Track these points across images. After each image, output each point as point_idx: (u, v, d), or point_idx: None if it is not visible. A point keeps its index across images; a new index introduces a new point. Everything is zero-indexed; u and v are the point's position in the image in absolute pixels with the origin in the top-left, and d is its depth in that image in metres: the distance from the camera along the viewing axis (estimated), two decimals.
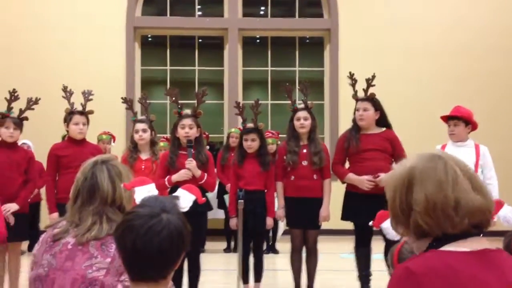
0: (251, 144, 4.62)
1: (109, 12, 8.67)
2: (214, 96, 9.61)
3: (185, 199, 1.64)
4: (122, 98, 5.32)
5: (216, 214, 7.17)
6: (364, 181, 4.44)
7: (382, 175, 4.36)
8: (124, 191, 2.16)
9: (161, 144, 6.84)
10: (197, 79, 9.29)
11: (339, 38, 8.90)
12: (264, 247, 7.15)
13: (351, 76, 4.75)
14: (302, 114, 4.67)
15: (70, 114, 4.52)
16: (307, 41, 9.78)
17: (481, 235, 1.39)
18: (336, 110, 8.83)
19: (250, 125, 4.71)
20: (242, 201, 4.14)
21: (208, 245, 7.30)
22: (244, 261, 4.68)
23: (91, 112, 4.63)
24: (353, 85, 4.72)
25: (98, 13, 8.62)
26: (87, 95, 4.72)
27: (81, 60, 8.54)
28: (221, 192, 6.99)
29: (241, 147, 4.70)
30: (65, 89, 4.72)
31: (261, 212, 4.63)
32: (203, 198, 1.77)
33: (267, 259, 6.92)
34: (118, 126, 8.02)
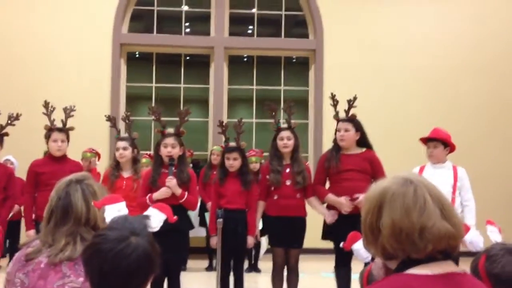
0: (233, 163, 4.64)
1: (96, 28, 8.71)
2: (200, 113, 9.64)
3: (156, 219, 1.64)
4: (105, 116, 5.30)
5: (197, 232, 7.14)
6: (343, 203, 4.48)
7: (361, 197, 4.41)
8: (98, 210, 2.16)
9: (143, 160, 6.83)
10: (182, 97, 9.33)
11: (324, 58, 9.01)
12: (246, 265, 7.18)
13: (332, 97, 4.80)
14: (285, 133, 4.71)
15: (49, 131, 4.48)
16: (294, 60, 9.89)
17: (449, 259, 1.42)
18: (320, 129, 8.90)
19: (232, 144, 4.74)
20: (221, 220, 4.14)
21: (190, 263, 7.26)
22: (223, 280, 4.67)
23: (71, 128, 4.59)
24: (335, 105, 4.77)
25: (85, 28, 8.66)
26: (68, 111, 4.68)
27: (67, 74, 8.55)
28: (203, 210, 6.98)
29: (223, 165, 4.71)
30: (46, 105, 4.67)
31: (241, 231, 4.63)
32: (175, 217, 1.77)
33: (249, 277, 6.94)
34: (102, 142, 8.00)
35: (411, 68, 9.00)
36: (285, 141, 4.68)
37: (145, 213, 1.67)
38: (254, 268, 7.28)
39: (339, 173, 4.58)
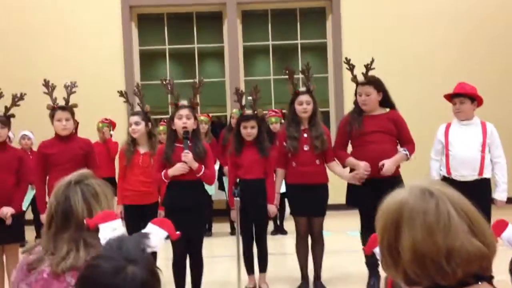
0: (250, 131, 4.47)
1: None
2: (216, 71, 9.40)
3: (156, 237, 1.47)
4: (118, 91, 5.12)
5: (217, 196, 7.08)
6: (361, 166, 4.29)
7: (387, 163, 4.21)
8: (105, 208, 2.02)
9: (161, 128, 6.68)
10: (196, 56, 9.07)
11: (341, 7, 8.60)
12: (272, 228, 7.11)
13: (347, 61, 4.52)
14: (304, 98, 4.48)
15: (52, 110, 4.32)
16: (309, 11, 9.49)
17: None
18: (340, 82, 8.59)
19: (249, 111, 4.54)
20: (238, 199, 4.00)
21: (214, 227, 7.23)
22: (247, 252, 4.59)
23: (75, 105, 4.39)
24: (351, 70, 4.50)
25: None
26: (70, 88, 4.46)
27: (76, 45, 8.36)
28: (221, 174, 6.87)
29: (238, 134, 4.54)
30: (46, 83, 4.42)
31: (262, 202, 4.52)
32: (177, 233, 1.60)
33: (275, 240, 6.87)
34: (119, 112, 7.84)
35: (438, 14, 8.48)
36: (304, 105, 4.47)
37: (144, 230, 1.49)
38: (280, 230, 7.19)
39: (362, 136, 4.37)
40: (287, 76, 4.63)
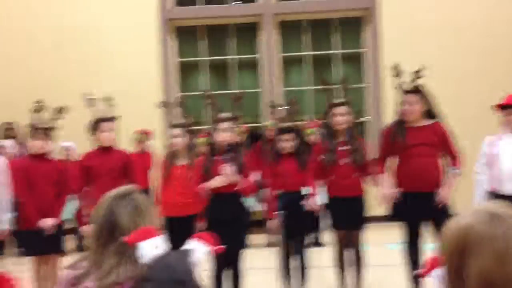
0: (285, 145, 4.40)
1: (141, 6, 8.54)
2: (252, 82, 9.39)
3: (199, 252, 1.43)
4: (160, 102, 5.14)
5: (256, 207, 7.00)
6: (385, 196, 4.26)
7: (443, 192, 4.15)
8: (149, 223, 2.00)
9: (201, 140, 6.66)
10: (233, 67, 9.08)
11: (381, 17, 8.47)
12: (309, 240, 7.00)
13: (395, 67, 4.33)
14: (340, 110, 4.40)
15: (96, 122, 4.39)
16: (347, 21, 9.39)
17: None
18: (378, 92, 8.46)
19: (283, 124, 4.49)
20: (282, 212, 3.95)
21: (251, 238, 7.14)
22: (284, 263, 4.51)
23: (117, 117, 4.47)
24: (398, 76, 4.33)
25: (130, 9, 8.51)
26: (110, 101, 4.52)
27: (114, 59, 8.47)
28: (260, 186, 6.80)
29: (276, 145, 4.50)
30: (88, 96, 4.49)
31: (301, 213, 4.44)
32: (220, 248, 1.56)
33: (313, 253, 6.75)
34: (157, 123, 7.88)
35: (482, 21, 8.25)
36: (340, 117, 4.38)
37: (186, 245, 1.45)
38: (316, 243, 7.07)
39: (406, 149, 4.22)
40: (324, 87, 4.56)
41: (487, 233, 1.15)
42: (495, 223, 1.16)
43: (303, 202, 4.41)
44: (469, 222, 1.18)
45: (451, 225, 1.22)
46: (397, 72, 4.32)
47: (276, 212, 3.97)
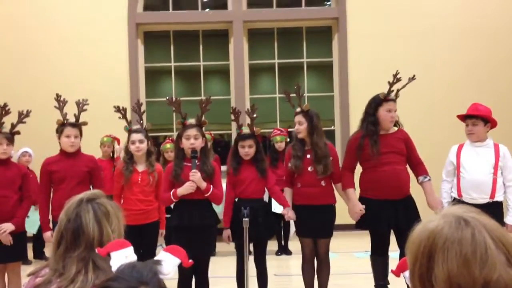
0: (248, 151, 4.37)
1: (110, 9, 8.45)
2: (221, 88, 9.37)
3: (169, 264, 1.41)
4: (114, 106, 5.02)
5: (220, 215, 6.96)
6: (355, 211, 4.28)
7: (432, 201, 4.24)
8: (113, 231, 1.96)
9: (167, 145, 6.60)
10: (202, 74, 9.04)
11: (347, 26, 8.58)
12: (277, 248, 7.00)
13: (395, 75, 4.32)
14: (296, 118, 4.43)
15: (61, 126, 4.28)
16: (315, 30, 9.49)
17: None
18: (346, 100, 8.55)
19: (246, 130, 4.45)
20: (247, 219, 3.91)
21: (218, 246, 7.12)
22: (240, 273, 4.43)
23: (85, 123, 4.39)
24: (392, 84, 4.32)
25: (99, 11, 8.41)
26: (81, 105, 4.45)
27: (83, 61, 8.36)
28: None
29: (236, 154, 4.45)
30: (58, 98, 4.44)
31: (261, 221, 4.37)
32: (190, 261, 1.54)
33: (280, 261, 6.78)
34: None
35: (445, 30, 8.46)
36: (297, 126, 4.40)
37: (157, 257, 1.44)
38: (284, 250, 7.08)
39: (377, 157, 4.23)
40: (292, 94, 4.56)
41: (455, 236, 1.15)
42: (463, 226, 1.16)
43: (283, 212, 4.38)
44: (437, 226, 1.19)
45: (419, 229, 1.22)
46: (396, 79, 4.32)
47: (245, 219, 3.92)
